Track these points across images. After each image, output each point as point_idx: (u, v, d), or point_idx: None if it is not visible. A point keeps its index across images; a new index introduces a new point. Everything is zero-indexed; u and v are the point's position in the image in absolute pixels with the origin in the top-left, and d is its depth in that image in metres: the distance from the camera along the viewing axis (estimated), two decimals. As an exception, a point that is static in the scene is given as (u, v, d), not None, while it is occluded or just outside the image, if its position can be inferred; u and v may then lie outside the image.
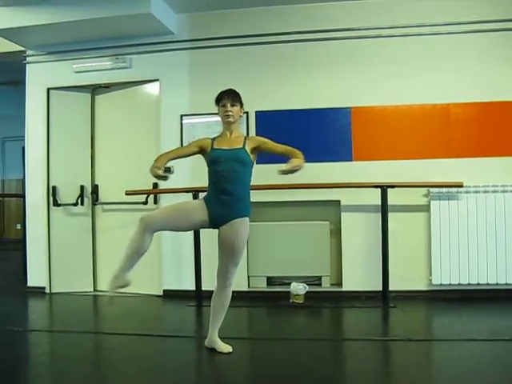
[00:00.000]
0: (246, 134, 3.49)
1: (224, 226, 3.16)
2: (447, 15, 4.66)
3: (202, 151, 3.33)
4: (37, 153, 5.39)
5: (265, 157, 4.64)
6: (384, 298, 4.54)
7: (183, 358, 3.31)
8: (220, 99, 3.31)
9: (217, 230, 3.22)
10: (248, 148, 3.26)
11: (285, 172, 3.02)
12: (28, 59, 5.42)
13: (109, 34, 5.04)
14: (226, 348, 3.25)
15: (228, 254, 3.18)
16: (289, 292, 4.59)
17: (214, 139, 3.33)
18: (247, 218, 3.21)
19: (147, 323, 4.18)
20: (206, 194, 3.29)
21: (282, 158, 4.64)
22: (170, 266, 5.08)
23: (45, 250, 5.34)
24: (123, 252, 3.07)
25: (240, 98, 3.35)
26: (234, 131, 3.32)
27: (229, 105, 3.27)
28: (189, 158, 3.63)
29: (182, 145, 4.90)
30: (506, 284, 4.49)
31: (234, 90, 3.35)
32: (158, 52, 5.11)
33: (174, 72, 5.12)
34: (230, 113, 3.27)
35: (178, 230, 3.36)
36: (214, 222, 3.18)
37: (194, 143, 3.40)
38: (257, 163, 4.78)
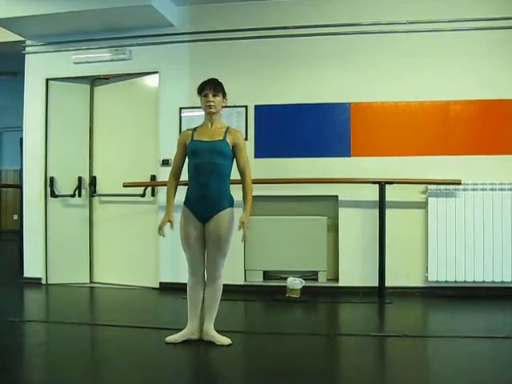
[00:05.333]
0: (228, 126, 3.34)
1: (210, 221, 3.19)
2: (449, 12, 4.65)
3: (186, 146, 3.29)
4: (35, 143, 5.38)
5: (263, 151, 4.68)
6: (380, 294, 4.56)
7: (179, 350, 3.30)
8: (202, 89, 3.26)
9: None
10: (229, 140, 3.22)
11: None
12: (27, 49, 5.39)
13: (109, 26, 5.03)
14: (225, 340, 3.25)
15: (215, 245, 3.20)
16: (285, 286, 4.59)
17: (195, 129, 3.29)
18: (231, 209, 3.22)
19: (143, 315, 4.18)
20: (185, 194, 3.26)
21: (281, 154, 4.75)
22: (167, 258, 5.07)
23: (41, 241, 5.33)
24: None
25: (223, 87, 3.28)
26: (215, 122, 3.27)
27: (211, 95, 3.22)
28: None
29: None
30: (502, 282, 4.50)
31: (217, 80, 3.28)
32: (158, 44, 5.09)
33: (173, 64, 5.10)
34: (212, 103, 3.22)
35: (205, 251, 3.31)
36: (201, 219, 3.21)
37: (179, 146, 3.34)
38: (255, 157, 4.87)
